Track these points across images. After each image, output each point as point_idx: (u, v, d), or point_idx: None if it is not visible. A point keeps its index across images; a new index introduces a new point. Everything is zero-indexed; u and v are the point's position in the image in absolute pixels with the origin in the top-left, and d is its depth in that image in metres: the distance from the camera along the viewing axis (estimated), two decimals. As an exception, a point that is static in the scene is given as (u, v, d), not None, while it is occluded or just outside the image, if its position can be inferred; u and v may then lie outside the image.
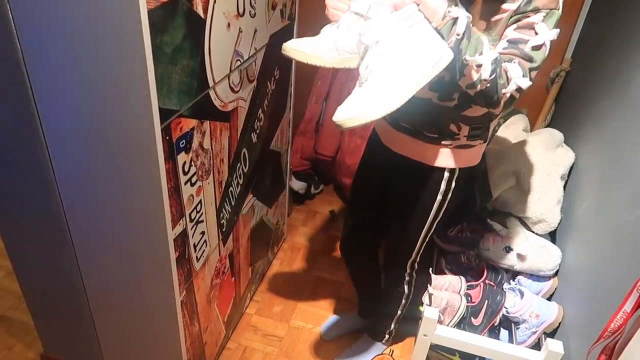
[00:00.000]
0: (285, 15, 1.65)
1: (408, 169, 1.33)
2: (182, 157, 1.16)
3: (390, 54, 0.95)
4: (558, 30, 1.05)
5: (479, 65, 1.00)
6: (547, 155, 1.66)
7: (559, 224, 1.59)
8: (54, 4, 0.90)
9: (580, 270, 1.41)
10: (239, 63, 1.36)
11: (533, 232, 1.59)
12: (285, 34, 1.69)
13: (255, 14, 1.39)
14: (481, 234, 1.62)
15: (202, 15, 1.10)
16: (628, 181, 1.24)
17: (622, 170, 1.30)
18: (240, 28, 1.31)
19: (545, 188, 1.58)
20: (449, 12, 0.96)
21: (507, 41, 1.07)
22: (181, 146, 1.15)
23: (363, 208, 1.59)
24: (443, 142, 1.26)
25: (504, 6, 1.07)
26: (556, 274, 1.54)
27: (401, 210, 1.43)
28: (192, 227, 1.30)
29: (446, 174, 1.30)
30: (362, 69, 0.99)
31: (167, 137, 1.08)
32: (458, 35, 0.97)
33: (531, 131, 1.99)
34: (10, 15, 0.93)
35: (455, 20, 0.96)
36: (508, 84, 1.04)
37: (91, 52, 0.95)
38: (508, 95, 1.06)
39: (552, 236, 1.64)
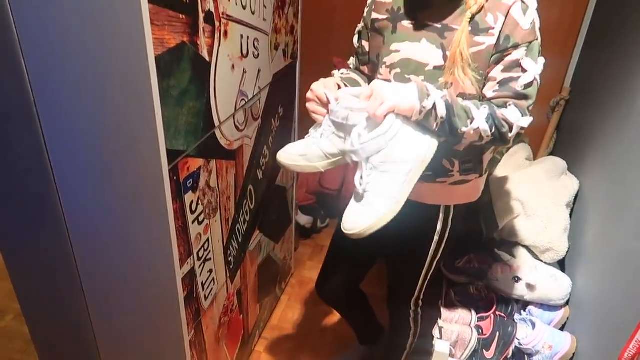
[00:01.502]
0: (287, 54, 1.69)
1: (402, 209, 1.32)
2: (189, 197, 1.18)
3: (382, 165, 1.04)
4: (543, 59, 1.07)
5: (476, 129, 1.04)
6: (552, 183, 1.67)
7: (567, 252, 1.58)
8: (65, 51, 0.94)
9: (591, 299, 1.40)
10: (243, 102, 1.39)
11: (541, 261, 1.58)
12: (289, 72, 1.73)
13: (258, 54, 1.43)
14: (489, 265, 1.61)
15: (207, 58, 1.14)
16: (634, 207, 1.24)
17: (627, 196, 1.30)
18: (244, 69, 1.35)
19: (551, 216, 1.58)
20: (424, 107, 1.00)
21: (497, 83, 1.08)
22: (188, 186, 1.17)
23: (350, 254, 1.52)
24: (437, 180, 1.24)
25: (477, 39, 1.07)
26: (567, 303, 1.53)
27: (398, 251, 1.41)
28: (200, 265, 1.31)
29: (441, 213, 1.28)
30: (356, 181, 1.07)
31: (175, 178, 1.10)
32: (442, 118, 1.01)
33: (534, 160, 2.01)
34: (24, 64, 0.97)
35: (433, 107, 1.00)
36: (511, 130, 1.07)
37: (100, 97, 0.98)
38: (514, 137, 1.09)
39: (561, 265, 1.62)
